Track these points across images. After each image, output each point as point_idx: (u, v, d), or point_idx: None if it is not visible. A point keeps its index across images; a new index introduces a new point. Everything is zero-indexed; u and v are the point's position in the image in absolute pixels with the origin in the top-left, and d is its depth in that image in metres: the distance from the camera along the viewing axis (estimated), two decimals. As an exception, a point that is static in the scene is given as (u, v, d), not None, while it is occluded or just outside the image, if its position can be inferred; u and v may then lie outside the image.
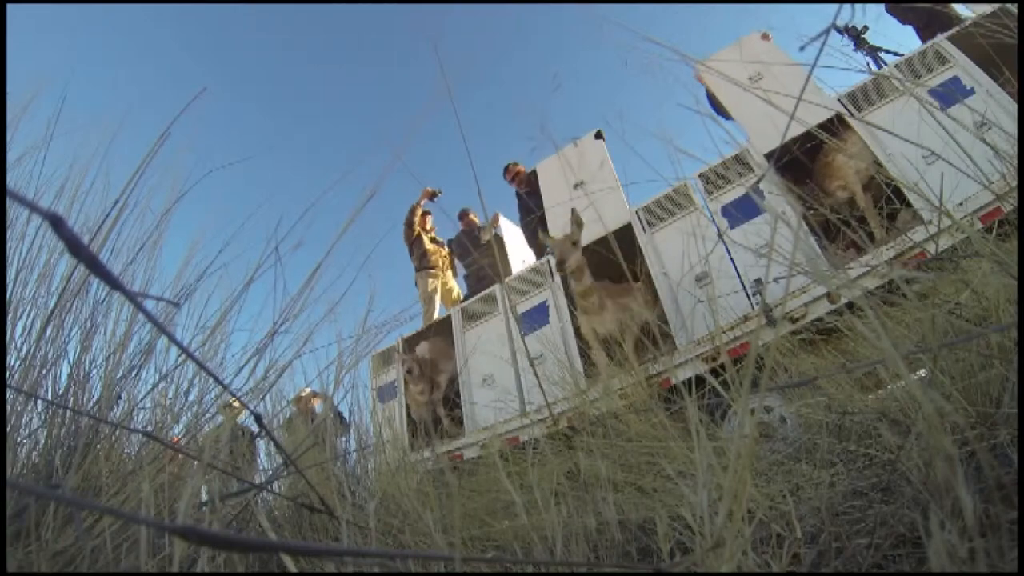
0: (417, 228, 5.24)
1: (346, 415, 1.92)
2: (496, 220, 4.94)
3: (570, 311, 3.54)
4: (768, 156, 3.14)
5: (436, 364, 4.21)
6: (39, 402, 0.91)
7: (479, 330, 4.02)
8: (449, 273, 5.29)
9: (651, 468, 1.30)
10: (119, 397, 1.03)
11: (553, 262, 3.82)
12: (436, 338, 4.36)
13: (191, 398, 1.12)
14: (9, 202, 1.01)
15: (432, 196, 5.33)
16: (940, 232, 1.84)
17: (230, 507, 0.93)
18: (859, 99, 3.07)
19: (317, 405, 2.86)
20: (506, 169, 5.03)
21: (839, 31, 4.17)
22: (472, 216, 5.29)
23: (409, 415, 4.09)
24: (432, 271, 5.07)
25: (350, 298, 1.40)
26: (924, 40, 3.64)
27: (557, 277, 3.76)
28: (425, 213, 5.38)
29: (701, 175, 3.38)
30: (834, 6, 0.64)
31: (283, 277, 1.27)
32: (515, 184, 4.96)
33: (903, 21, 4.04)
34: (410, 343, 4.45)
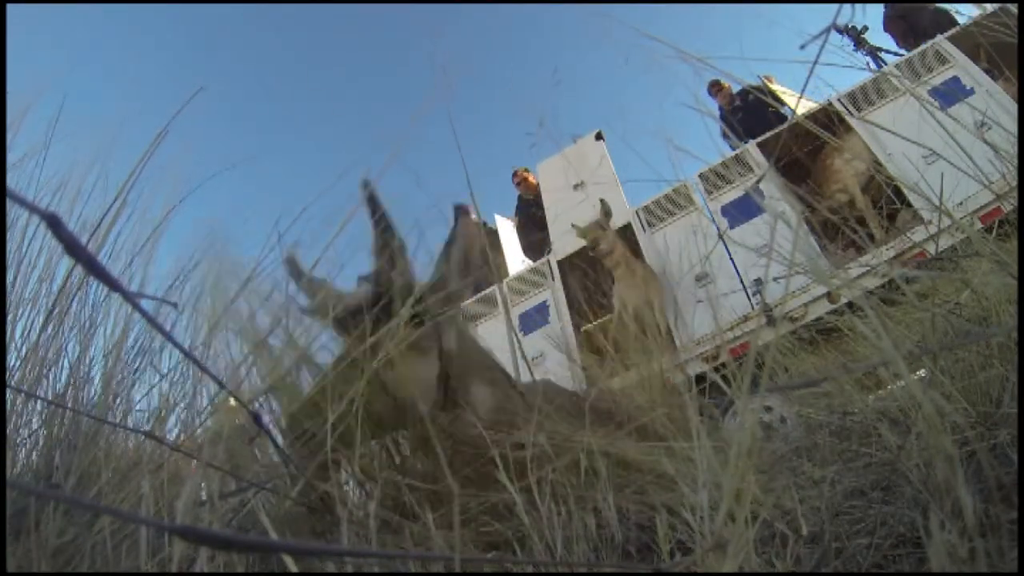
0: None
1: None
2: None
3: (570, 311, 3.54)
4: (769, 156, 3.14)
5: None
6: (39, 402, 0.90)
7: (480, 330, 4.03)
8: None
9: (650, 466, 1.30)
10: (118, 397, 1.02)
11: (553, 262, 3.82)
12: None
13: (190, 398, 1.12)
14: (10, 203, 1.01)
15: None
16: (940, 232, 1.83)
17: (230, 506, 0.93)
18: (859, 99, 3.07)
19: None
20: (515, 173, 5.03)
21: (839, 31, 4.17)
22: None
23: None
24: None
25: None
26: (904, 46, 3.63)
27: (557, 277, 3.76)
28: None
29: (701, 175, 3.38)
30: (834, 5, 0.64)
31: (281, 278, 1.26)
32: (520, 188, 4.97)
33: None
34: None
